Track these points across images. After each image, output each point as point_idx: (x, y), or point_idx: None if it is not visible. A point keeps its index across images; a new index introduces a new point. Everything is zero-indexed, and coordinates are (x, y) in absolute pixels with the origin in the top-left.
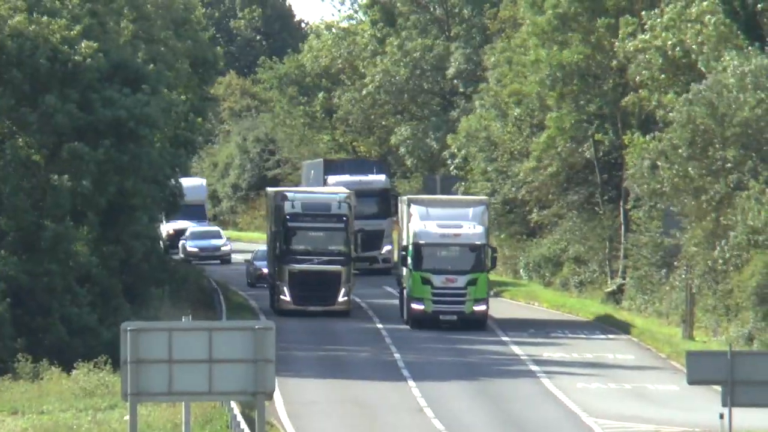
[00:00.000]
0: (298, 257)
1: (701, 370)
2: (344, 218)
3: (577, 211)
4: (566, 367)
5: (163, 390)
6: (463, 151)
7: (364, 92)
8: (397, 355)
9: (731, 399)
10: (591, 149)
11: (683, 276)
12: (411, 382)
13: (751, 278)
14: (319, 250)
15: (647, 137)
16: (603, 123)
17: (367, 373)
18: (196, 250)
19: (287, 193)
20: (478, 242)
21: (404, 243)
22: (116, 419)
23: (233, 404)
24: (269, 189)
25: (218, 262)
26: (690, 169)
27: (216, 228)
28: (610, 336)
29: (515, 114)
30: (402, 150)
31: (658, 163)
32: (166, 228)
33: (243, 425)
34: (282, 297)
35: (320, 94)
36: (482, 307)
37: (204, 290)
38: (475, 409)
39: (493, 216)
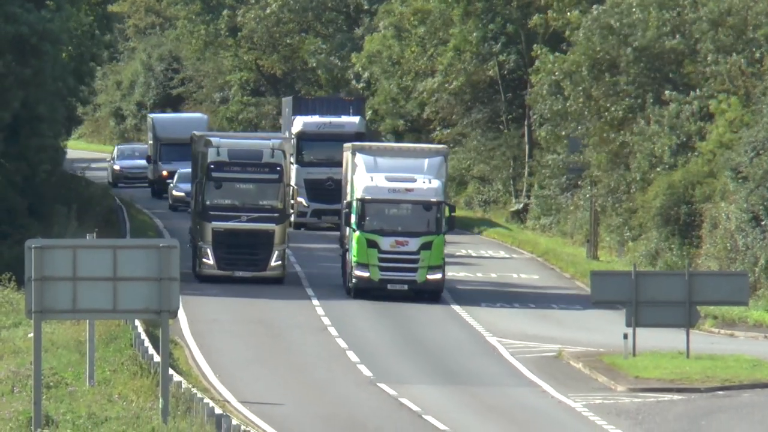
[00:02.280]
0: (224, 213)
1: (605, 290)
2: (278, 168)
3: (481, 130)
4: (470, 286)
5: (67, 307)
6: (367, 73)
7: (267, 11)
8: (299, 270)
9: (635, 319)
10: (495, 68)
11: (587, 196)
12: (315, 301)
13: (655, 199)
14: (249, 206)
15: (553, 56)
16: (508, 43)
17: (272, 292)
18: (183, 194)
19: (211, 138)
20: (433, 199)
21: (347, 199)
22: (20, 337)
23: (137, 322)
24: (194, 132)
25: None
26: (593, 91)
27: None
28: (514, 256)
29: (419, 33)
30: (313, 62)
31: (562, 84)
32: (161, 170)
33: (147, 343)
34: (204, 260)
35: (224, 12)
36: (437, 276)
37: (110, 209)
38: (379, 329)
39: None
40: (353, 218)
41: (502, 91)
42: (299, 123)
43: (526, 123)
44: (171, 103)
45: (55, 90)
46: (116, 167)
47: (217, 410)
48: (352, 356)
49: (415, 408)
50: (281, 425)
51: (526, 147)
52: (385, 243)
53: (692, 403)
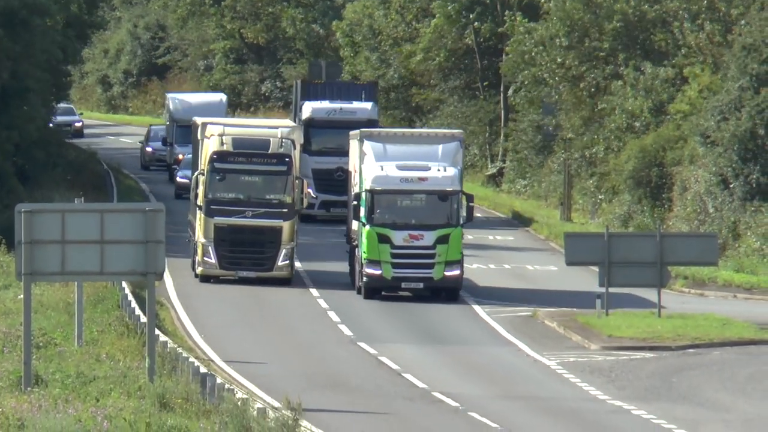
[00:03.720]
0: (227, 208)
1: (579, 251)
2: (287, 159)
3: (458, 96)
4: None
5: (56, 270)
6: (347, 39)
7: None
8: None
9: (608, 279)
10: (471, 36)
11: (561, 159)
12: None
13: (627, 162)
14: (254, 200)
15: (527, 24)
16: (484, 12)
17: None
18: (187, 181)
19: (214, 126)
20: (449, 189)
21: (355, 190)
22: (11, 298)
23: (124, 284)
24: (195, 119)
25: None
26: (567, 59)
27: None
28: (490, 218)
29: (399, 1)
30: (290, 31)
31: (535, 51)
32: (176, 153)
33: (134, 304)
34: (206, 258)
35: None
36: (455, 272)
37: (97, 174)
38: (334, 253)
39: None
40: (362, 211)
41: (478, 58)
42: (308, 109)
43: (501, 89)
44: (157, 71)
45: (44, 61)
46: (148, 149)
47: (202, 369)
48: (333, 316)
49: (394, 366)
50: (264, 383)
51: (502, 112)
52: (398, 237)
53: (664, 360)
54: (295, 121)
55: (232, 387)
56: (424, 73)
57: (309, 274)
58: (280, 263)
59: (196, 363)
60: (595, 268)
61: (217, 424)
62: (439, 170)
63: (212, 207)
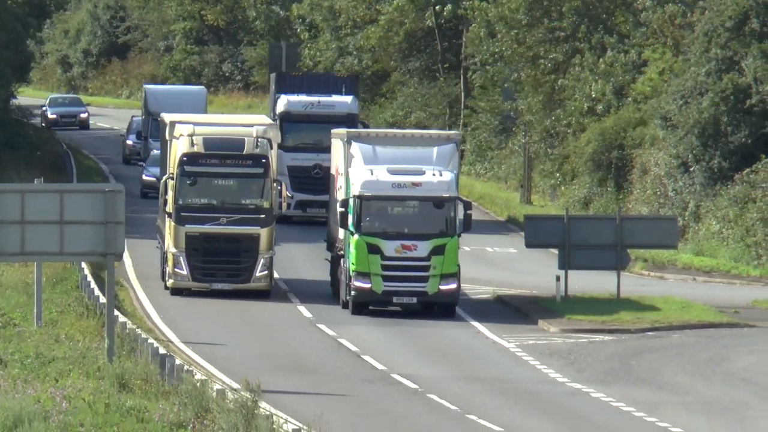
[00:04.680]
0: (200, 215)
1: (539, 233)
2: (263, 160)
3: (418, 78)
4: None
5: (15, 250)
6: (308, 20)
7: None
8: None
9: (567, 262)
10: (432, 18)
11: (521, 141)
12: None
13: (587, 145)
14: (229, 205)
15: (487, 3)
16: None
17: None
18: (154, 179)
19: (183, 125)
20: (446, 195)
21: (340, 194)
22: None
23: (84, 265)
24: (164, 116)
25: None
26: (527, 38)
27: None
28: None
29: None
30: (251, 14)
31: (496, 29)
32: (150, 148)
33: (93, 285)
34: (177, 270)
35: None
36: (451, 286)
37: (57, 154)
38: (316, 271)
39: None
40: (350, 220)
41: (438, 39)
42: (283, 102)
43: (461, 71)
44: (117, 51)
45: (3, 41)
46: (129, 142)
47: (161, 350)
48: (293, 298)
49: (353, 348)
50: (223, 365)
51: (462, 94)
52: (389, 248)
53: (623, 343)
54: (271, 116)
55: (191, 368)
56: (383, 57)
57: (288, 283)
58: (258, 274)
59: (156, 344)
60: (555, 251)
61: (176, 405)
62: (434, 175)
63: (183, 214)
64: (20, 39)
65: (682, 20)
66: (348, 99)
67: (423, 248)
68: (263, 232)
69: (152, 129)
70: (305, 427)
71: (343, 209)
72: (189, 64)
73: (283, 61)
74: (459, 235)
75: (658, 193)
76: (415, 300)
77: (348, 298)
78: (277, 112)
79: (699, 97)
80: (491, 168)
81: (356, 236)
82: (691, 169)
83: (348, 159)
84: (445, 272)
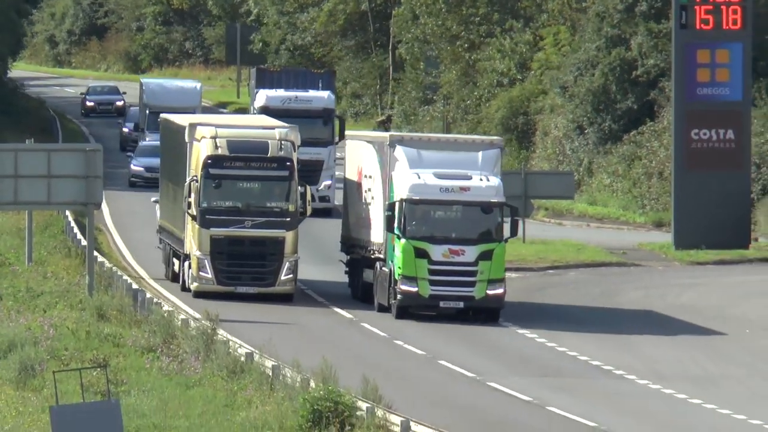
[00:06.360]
0: (224, 218)
1: None
2: (288, 163)
3: (353, 53)
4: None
5: (9, 200)
6: (257, 8)
7: None
8: None
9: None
10: (366, 2)
11: (441, 108)
12: None
13: (497, 111)
14: (255, 209)
15: None
16: None
17: None
18: (142, 169)
19: (205, 127)
20: (494, 200)
21: (374, 201)
22: None
23: (68, 212)
24: (165, 116)
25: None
26: (447, 21)
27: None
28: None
29: None
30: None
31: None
32: (146, 139)
33: (76, 230)
34: (201, 273)
35: None
36: (498, 291)
37: (45, 119)
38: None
39: (288, 60)
40: (396, 224)
41: (371, 21)
42: (262, 97)
43: (390, 47)
44: (96, 31)
45: (2, 23)
46: (125, 130)
47: (134, 286)
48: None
49: (300, 286)
50: (187, 299)
51: (390, 68)
52: (437, 252)
53: (527, 280)
54: (250, 110)
55: (159, 301)
56: (323, 34)
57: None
58: (283, 278)
59: (129, 280)
60: None
61: (147, 332)
62: (481, 180)
63: (208, 217)
64: (15, 23)
65: (578, 5)
66: (325, 94)
67: (470, 253)
68: (288, 236)
69: (148, 121)
70: (257, 351)
71: (390, 213)
72: (158, 42)
73: (237, 40)
74: (506, 241)
75: (557, 151)
76: (462, 305)
77: (393, 302)
78: (257, 107)
79: (592, 69)
80: (415, 131)
81: (403, 240)
82: (586, 131)
83: (391, 163)
84: (492, 277)
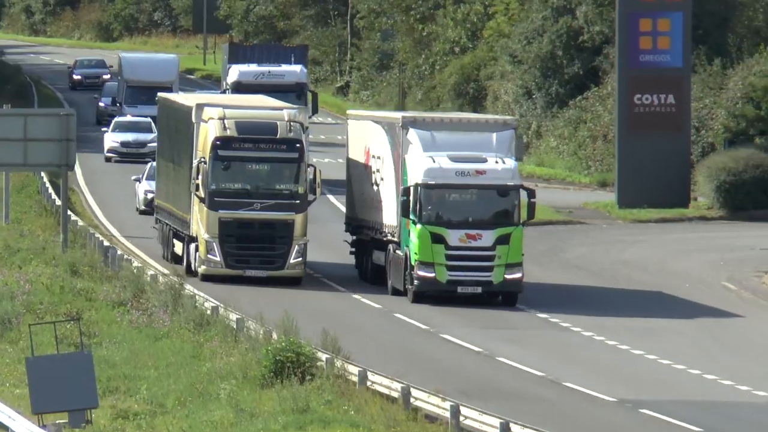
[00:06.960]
0: (233, 200)
1: None
2: (297, 145)
3: (314, 22)
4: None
5: None
6: None
7: None
8: None
9: None
10: None
11: (396, 75)
12: None
13: (450, 77)
14: (264, 191)
15: None
16: None
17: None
18: (117, 145)
19: (213, 108)
20: (510, 183)
21: (384, 182)
22: None
23: (43, 174)
24: (164, 95)
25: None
26: None
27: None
28: (339, 121)
29: None
30: None
31: None
32: (125, 113)
33: (50, 190)
34: (210, 256)
35: None
36: (516, 275)
37: (21, 85)
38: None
39: (253, 29)
40: (411, 208)
41: None
42: (235, 72)
43: (348, 17)
44: (70, 2)
45: None
46: (101, 104)
47: (106, 243)
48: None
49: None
50: (156, 255)
51: (348, 36)
52: (454, 237)
53: None
54: (223, 85)
55: (129, 258)
56: (285, 4)
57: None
58: (292, 261)
59: (101, 238)
60: None
61: (118, 287)
62: (497, 162)
63: (216, 199)
64: None
65: None
66: (297, 68)
67: (488, 237)
68: (298, 218)
69: (126, 96)
70: (222, 305)
71: (405, 198)
72: (128, 12)
73: (204, 8)
74: (523, 224)
75: (508, 115)
76: (479, 289)
77: (409, 287)
78: (229, 82)
79: (539, 37)
80: (372, 96)
81: (419, 225)
82: (534, 96)
83: (404, 145)
84: (510, 262)
